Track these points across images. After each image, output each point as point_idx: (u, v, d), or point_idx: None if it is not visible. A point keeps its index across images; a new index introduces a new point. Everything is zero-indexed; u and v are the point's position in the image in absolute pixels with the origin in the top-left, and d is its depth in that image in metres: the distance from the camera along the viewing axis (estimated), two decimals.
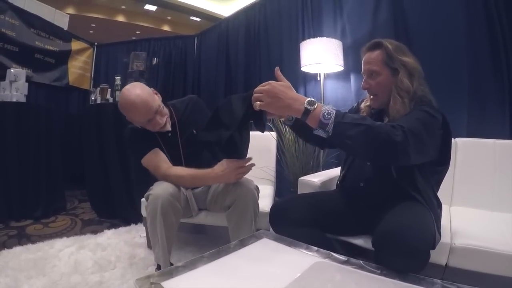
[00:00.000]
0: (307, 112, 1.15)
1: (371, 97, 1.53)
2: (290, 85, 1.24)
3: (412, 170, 1.36)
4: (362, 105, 1.65)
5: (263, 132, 1.42)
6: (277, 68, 1.31)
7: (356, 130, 1.10)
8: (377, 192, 1.49)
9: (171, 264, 1.83)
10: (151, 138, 1.89)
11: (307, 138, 1.72)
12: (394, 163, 1.28)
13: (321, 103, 1.19)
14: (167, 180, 1.77)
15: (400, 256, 1.04)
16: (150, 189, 1.74)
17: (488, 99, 2.28)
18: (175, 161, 1.88)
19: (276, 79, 1.28)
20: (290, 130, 2.95)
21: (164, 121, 1.85)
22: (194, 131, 1.98)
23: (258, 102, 1.21)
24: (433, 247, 1.22)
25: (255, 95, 1.23)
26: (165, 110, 1.88)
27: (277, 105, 1.19)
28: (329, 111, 1.13)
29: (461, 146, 2.19)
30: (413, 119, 1.24)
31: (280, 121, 1.56)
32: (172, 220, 1.70)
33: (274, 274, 0.97)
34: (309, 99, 1.16)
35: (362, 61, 1.53)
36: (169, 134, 1.94)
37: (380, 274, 0.98)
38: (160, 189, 1.68)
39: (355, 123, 1.12)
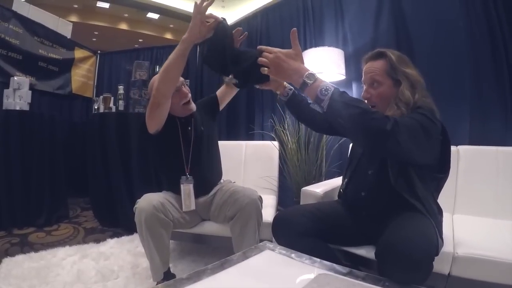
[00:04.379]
0: (305, 84, 1.18)
1: (371, 106, 1.49)
2: (299, 52, 1.26)
3: (411, 176, 1.36)
4: None
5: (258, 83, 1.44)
6: (294, 30, 1.27)
7: (350, 111, 1.12)
8: (378, 202, 1.48)
9: (173, 275, 1.84)
10: (172, 123, 1.91)
11: (299, 117, 1.74)
12: (385, 153, 1.27)
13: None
14: (159, 87, 1.66)
15: (403, 268, 1.05)
16: (136, 202, 1.77)
17: (490, 107, 2.29)
18: (186, 154, 1.94)
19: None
20: (293, 140, 2.97)
21: (190, 96, 1.96)
22: (202, 128, 2.04)
23: (266, 69, 1.24)
24: (437, 254, 1.23)
25: (261, 59, 1.24)
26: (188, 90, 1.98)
27: (279, 74, 1.24)
28: (327, 87, 1.15)
29: (463, 153, 2.18)
30: (409, 118, 1.25)
31: (275, 94, 1.59)
32: (161, 232, 1.73)
33: (277, 287, 0.97)
34: (309, 72, 1.19)
35: (363, 70, 1.53)
36: (189, 128, 1.99)
37: (382, 286, 0.98)
38: (144, 203, 1.72)
39: (351, 104, 1.14)
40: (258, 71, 1.27)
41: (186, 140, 1.96)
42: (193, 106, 2.00)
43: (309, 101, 1.65)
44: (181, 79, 1.87)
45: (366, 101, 1.52)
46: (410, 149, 1.17)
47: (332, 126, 1.52)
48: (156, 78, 1.82)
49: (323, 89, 1.15)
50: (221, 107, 2.24)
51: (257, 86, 1.50)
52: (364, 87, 1.52)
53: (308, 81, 1.17)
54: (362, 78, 1.54)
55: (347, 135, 1.50)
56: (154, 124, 1.80)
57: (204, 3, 1.40)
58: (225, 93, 2.23)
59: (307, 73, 1.19)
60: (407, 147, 1.15)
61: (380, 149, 1.22)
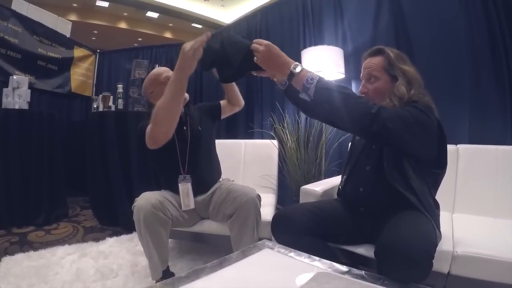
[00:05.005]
0: (292, 75, 1.26)
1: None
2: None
3: (406, 170, 1.36)
4: None
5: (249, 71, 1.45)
6: None
7: (335, 96, 1.20)
8: (376, 197, 1.49)
9: (172, 273, 1.84)
10: None
11: (298, 105, 1.75)
12: (375, 137, 1.30)
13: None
14: (157, 128, 1.63)
15: (403, 267, 1.05)
16: (135, 200, 1.77)
17: (490, 106, 2.29)
18: (182, 153, 1.94)
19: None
20: (292, 138, 2.96)
21: None
22: (200, 128, 2.03)
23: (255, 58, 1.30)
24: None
25: (253, 50, 1.30)
26: None
27: (269, 65, 1.31)
28: (313, 76, 1.24)
29: (463, 152, 2.18)
30: (401, 109, 1.30)
31: (275, 82, 1.62)
32: (159, 230, 1.73)
33: (276, 285, 0.97)
34: (295, 63, 1.27)
35: (362, 66, 1.57)
36: (184, 128, 1.99)
37: (382, 284, 0.98)
38: (142, 201, 1.72)
39: (336, 90, 1.22)
40: (252, 61, 1.32)
41: (182, 139, 1.96)
42: (186, 95, 1.95)
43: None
44: (171, 73, 1.91)
45: (363, 95, 1.54)
46: (401, 137, 1.22)
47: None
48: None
49: (309, 78, 1.23)
50: (222, 117, 2.27)
51: (254, 73, 1.50)
52: (362, 83, 1.56)
53: (295, 71, 1.25)
54: (361, 74, 1.58)
55: (334, 121, 1.51)
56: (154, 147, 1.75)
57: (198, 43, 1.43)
58: (227, 106, 2.27)
59: (293, 64, 1.26)
60: (398, 134, 1.21)
61: (367, 133, 1.27)
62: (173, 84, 1.55)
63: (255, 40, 1.31)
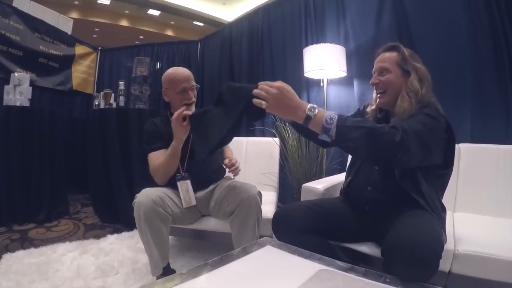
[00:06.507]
0: (308, 118, 1.18)
1: (379, 95, 1.55)
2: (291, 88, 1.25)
3: (415, 173, 1.36)
4: (368, 109, 1.66)
5: (255, 121, 1.46)
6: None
7: (358, 132, 1.16)
8: (384, 196, 1.48)
9: (173, 270, 1.84)
10: (167, 135, 1.91)
11: (308, 136, 1.74)
12: (396, 164, 1.28)
13: (323, 109, 1.22)
14: (154, 176, 1.88)
15: (410, 266, 1.05)
16: (135, 196, 1.76)
17: (492, 105, 2.28)
18: (182, 155, 1.91)
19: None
20: (293, 136, 2.96)
21: (194, 100, 1.99)
22: None
23: (264, 102, 1.22)
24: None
25: (262, 93, 1.23)
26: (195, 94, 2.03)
27: (281, 110, 1.23)
28: (332, 116, 1.17)
29: (464, 151, 2.18)
30: (415, 122, 1.28)
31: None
32: (160, 227, 1.73)
33: (278, 282, 0.97)
34: (310, 105, 1.20)
35: (376, 60, 1.58)
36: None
37: (383, 282, 0.98)
38: (143, 197, 1.72)
39: (357, 126, 1.17)
40: (253, 109, 1.27)
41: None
42: (193, 109, 1.98)
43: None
44: (193, 83, 1.97)
45: (374, 87, 1.57)
46: (421, 156, 1.23)
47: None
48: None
49: (328, 118, 1.17)
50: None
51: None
52: (374, 76, 1.57)
53: (311, 114, 1.18)
54: (373, 69, 1.59)
55: (358, 156, 1.54)
56: None
57: (177, 114, 1.71)
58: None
59: (308, 106, 1.20)
60: (418, 154, 1.21)
61: (392, 161, 1.24)
62: (171, 153, 1.81)
63: (264, 83, 1.24)
